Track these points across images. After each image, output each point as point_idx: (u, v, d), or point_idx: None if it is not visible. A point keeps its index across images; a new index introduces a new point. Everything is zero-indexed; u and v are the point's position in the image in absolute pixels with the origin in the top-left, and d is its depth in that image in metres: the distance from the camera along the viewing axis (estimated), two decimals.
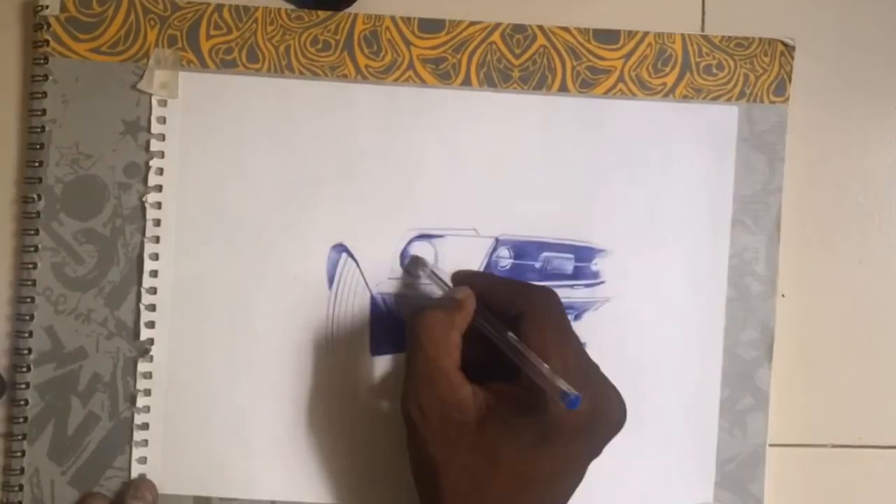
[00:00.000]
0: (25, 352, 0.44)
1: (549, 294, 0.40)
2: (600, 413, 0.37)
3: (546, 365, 0.36)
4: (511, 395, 0.38)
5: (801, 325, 0.46)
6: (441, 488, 0.37)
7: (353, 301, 0.44)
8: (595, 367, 0.39)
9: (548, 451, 0.37)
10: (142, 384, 0.44)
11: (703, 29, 0.46)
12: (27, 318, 0.44)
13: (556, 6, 0.45)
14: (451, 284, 0.42)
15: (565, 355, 0.37)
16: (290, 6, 0.44)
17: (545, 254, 0.45)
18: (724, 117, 0.45)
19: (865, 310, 0.46)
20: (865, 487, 0.46)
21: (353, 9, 0.44)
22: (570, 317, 0.44)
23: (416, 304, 0.43)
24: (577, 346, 0.39)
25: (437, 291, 0.44)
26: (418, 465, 0.39)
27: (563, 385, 0.35)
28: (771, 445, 0.45)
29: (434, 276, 0.43)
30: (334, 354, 0.44)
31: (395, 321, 0.44)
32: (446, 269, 0.44)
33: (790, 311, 0.45)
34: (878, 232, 0.46)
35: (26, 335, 0.44)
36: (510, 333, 0.38)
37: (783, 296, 0.45)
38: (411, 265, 0.44)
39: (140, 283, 0.44)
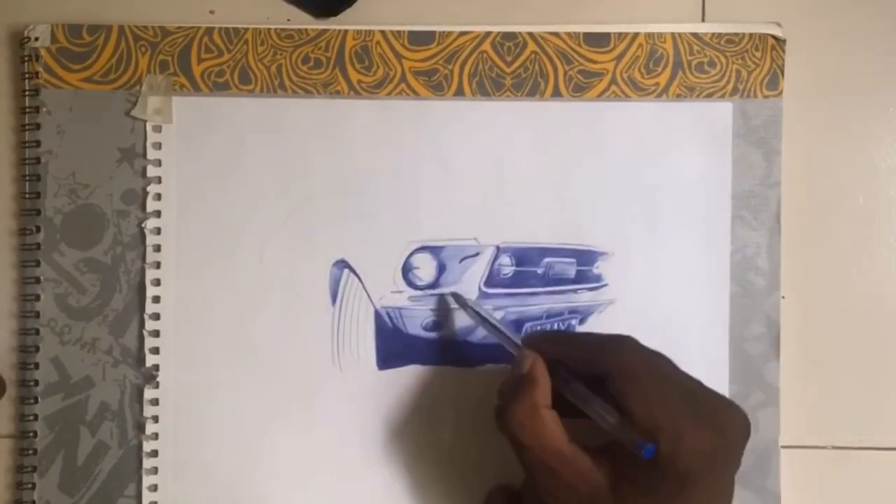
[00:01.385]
0: (32, 384, 0.44)
1: (627, 342, 0.38)
2: (723, 436, 0.36)
3: (615, 416, 0.36)
4: (629, 454, 0.36)
5: (801, 326, 0.45)
6: None
7: (358, 316, 0.44)
8: (703, 391, 0.37)
9: (691, 496, 0.35)
10: (149, 411, 0.44)
11: (703, 19, 0.46)
12: (32, 349, 0.44)
13: (554, 7, 0.45)
14: (507, 332, 0.41)
15: (667, 401, 0.36)
16: (279, 26, 0.44)
17: (547, 259, 0.45)
18: (718, 114, 0.45)
19: (865, 311, 0.46)
20: (866, 489, 0.46)
21: (342, 25, 0.44)
22: (574, 321, 0.45)
23: (501, 388, 0.40)
24: (679, 381, 0.37)
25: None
26: None
27: (630, 437, 0.35)
28: None
29: (483, 318, 0.42)
30: (341, 371, 0.44)
31: (400, 335, 0.44)
32: (450, 279, 0.44)
33: (790, 312, 0.45)
34: (878, 229, 0.46)
35: (32, 367, 0.44)
36: (575, 387, 0.37)
37: (783, 297, 0.45)
38: (454, 299, 0.44)
39: (143, 310, 0.44)
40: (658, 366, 0.38)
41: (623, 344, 0.38)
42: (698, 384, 0.38)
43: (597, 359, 0.38)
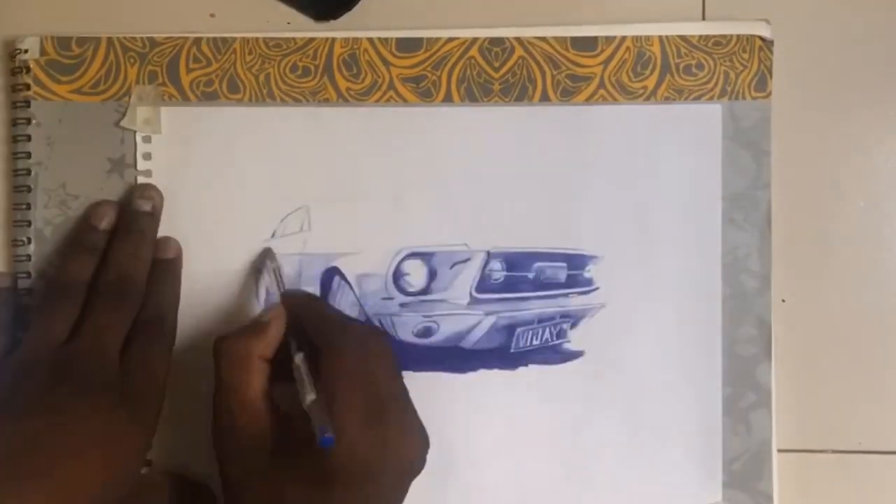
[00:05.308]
0: None
1: (354, 331, 0.39)
2: (387, 458, 0.36)
3: (313, 395, 0.36)
4: (306, 429, 0.36)
5: (800, 329, 0.45)
6: None
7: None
8: (397, 410, 0.38)
9: (328, 494, 0.35)
10: None
11: (703, 16, 0.45)
12: None
13: (549, 7, 0.45)
14: (282, 286, 0.42)
15: (350, 396, 0.36)
16: (267, 35, 0.44)
17: (537, 264, 0.45)
18: (707, 116, 0.45)
19: (864, 314, 0.46)
20: (866, 493, 0.45)
21: (330, 33, 0.45)
22: (566, 325, 0.45)
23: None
24: (381, 386, 0.37)
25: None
26: (224, 494, 0.39)
27: (320, 421, 0.34)
28: None
29: (275, 274, 0.42)
30: None
31: (391, 342, 0.44)
32: (441, 285, 0.44)
33: (789, 315, 0.45)
34: (874, 228, 0.46)
35: None
36: (299, 355, 0.38)
37: (783, 301, 0.45)
38: (260, 256, 0.44)
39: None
40: (374, 363, 0.38)
41: (350, 331, 0.39)
42: (404, 407, 0.38)
43: (322, 330, 0.39)
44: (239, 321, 0.44)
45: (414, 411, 0.39)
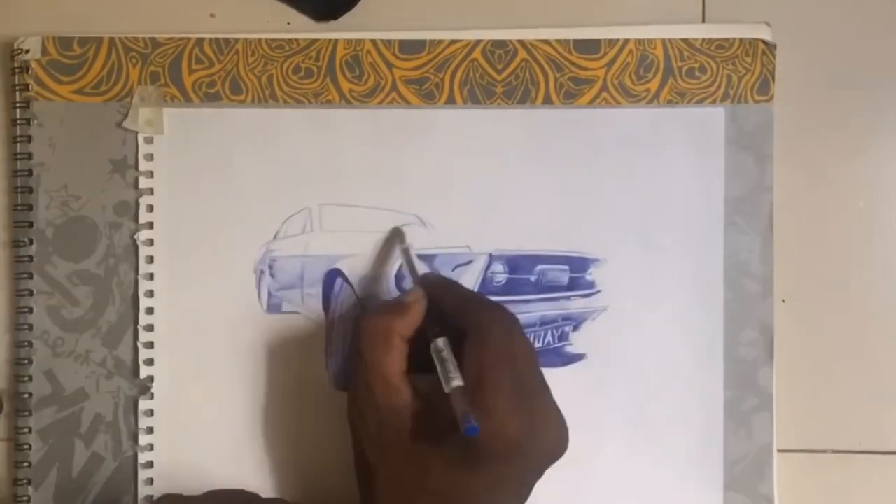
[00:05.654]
0: (26, 396, 0.44)
1: (500, 314, 0.38)
2: (535, 439, 0.36)
3: (458, 383, 0.36)
4: (447, 407, 0.36)
5: (801, 330, 0.45)
6: (374, 495, 0.38)
7: (350, 325, 0.44)
8: (541, 393, 0.38)
9: (474, 473, 0.35)
10: (144, 422, 0.44)
11: (703, 19, 0.46)
12: (26, 362, 0.44)
13: (553, 9, 0.45)
14: (417, 271, 0.42)
15: (500, 378, 0.36)
16: (270, 35, 0.44)
17: (540, 267, 0.45)
18: (710, 119, 0.45)
19: (864, 314, 0.46)
20: (866, 493, 0.46)
21: (333, 34, 0.44)
22: (568, 328, 0.45)
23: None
24: (524, 368, 0.37)
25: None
26: (358, 469, 0.40)
27: (464, 409, 0.35)
28: None
29: (406, 255, 0.43)
30: (333, 378, 0.44)
31: None
32: None
33: (790, 316, 0.45)
34: (876, 232, 0.46)
35: (26, 379, 0.44)
36: (441, 339, 0.38)
37: (784, 301, 0.45)
38: (389, 238, 0.44)
39: (136, 321, 0.44)
40: (514, 346, 0.37)
41: (497, 314, 0.38)
42: (543, 391, 0.38)
43: (466, 314, 0.39)
44: (240, 321, 0.44)
45: (553, 397, 0.38)
